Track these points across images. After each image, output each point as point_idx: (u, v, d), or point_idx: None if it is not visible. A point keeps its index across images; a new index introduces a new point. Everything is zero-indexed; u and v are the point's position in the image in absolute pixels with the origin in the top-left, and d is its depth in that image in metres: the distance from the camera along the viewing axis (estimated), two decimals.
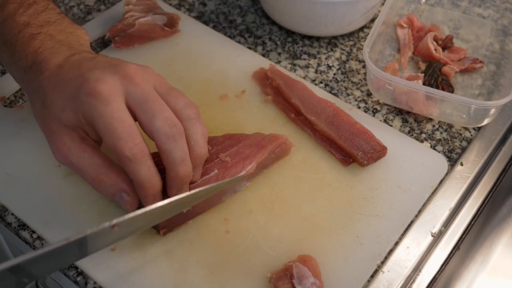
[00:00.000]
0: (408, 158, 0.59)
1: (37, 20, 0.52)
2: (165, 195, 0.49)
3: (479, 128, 0.63)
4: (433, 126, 0.64)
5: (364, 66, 0.70)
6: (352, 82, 0.68)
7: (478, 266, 0.62)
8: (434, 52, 0.68)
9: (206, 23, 0.75)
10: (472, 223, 0.56)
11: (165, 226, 0.50)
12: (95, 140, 0.48)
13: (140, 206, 0.48)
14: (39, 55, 0.49)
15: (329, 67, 0.70)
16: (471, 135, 0.63)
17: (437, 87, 0.64)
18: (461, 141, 0.62)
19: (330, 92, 0.66)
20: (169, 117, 0.46)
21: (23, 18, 0.52)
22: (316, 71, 0.69)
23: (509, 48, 0.71)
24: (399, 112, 0.65)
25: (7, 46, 0.51)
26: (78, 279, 0.50)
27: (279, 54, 0.71)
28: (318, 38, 0.73)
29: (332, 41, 0.73)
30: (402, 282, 0.51)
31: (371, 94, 0.66)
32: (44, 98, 0.47)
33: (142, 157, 0.45)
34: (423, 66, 0.69)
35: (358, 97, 0.66)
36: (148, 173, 0.46)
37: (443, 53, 0.69)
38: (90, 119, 0.45)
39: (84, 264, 0.50)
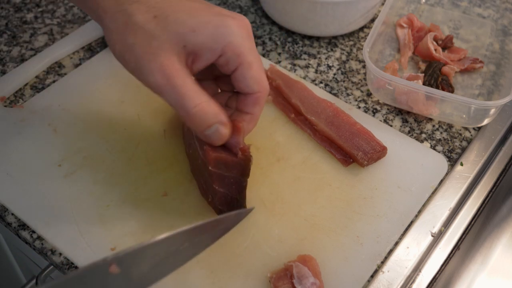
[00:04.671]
0: (408, 158, 0.59)
1: None
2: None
3: (479, 128, 0.63)
4: (433, 126, 0.64)
5: (364, 66, 0.70)
6: (352, 82, 0.68)
7: (478, 266, 0.62)
8: (434, 52, 0.68)
9: None
10: (472, 223, 0.56)
11: None
12: (193, 71, 0.48)
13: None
14: None
15: (329, 67, 0.70)
16: (471, 135, 0.63)
17: (437, 87, 0.64)
18: (461, 141, 0.62)
19: (330, 92, 0.66)
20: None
21: None
22: (316, 71, 0.69)
23: (509, 48, 0.71)
24: (399, 112, 0.65)
25: None
26: None
27: (279, 54, 0.71)
28: (318, 38, 0.73)
29: (332, 41, 0.73)
30: (402, 282, 0.51)
31: (371, 94, 0.66)
32: (162, 13, 0.45)
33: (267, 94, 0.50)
34: (423, 66, 0.69)
35: (358, 97, 0.66)
36: None
37: (443, 53, 0.69)
38: (240, 49, 0.46)
39: (85, 264, 0.50)
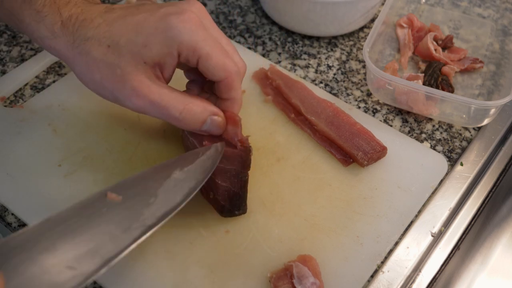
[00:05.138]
0: (408, 158, 0.59)
1: None
2: None
3: (479, 128, 0.63)
4: (433, 126, 0.64)
5: (364, 66, 0.70)
6: (352, 82, 0.68)
7: (478, 266, 0.62)
8: (434, 52, 0.68)
9: None
10: (472, 223, 0.56)
11: None
12: (166, 80, 0.49)
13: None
14: (73, 7, 0.49)
15: (329, 67, 0.70)
16: (471, 135, 0.63)
17: (437, 87, 0.64)
18: (461, 141, 0.62)
19: (330, 92, 0.66)
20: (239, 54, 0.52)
21: None
22: (316, 71, 0.69)
23: (509, 48, 0.71)
24: (399, 112, 0.65)
25: (31, 2, 0.49)
26: None
27: (279, 54, 0.71)
28: (318, 38, 0.73)
29: (332, 41, 0.73)
30: (402, 282, 0.51)
31: (371, 94, 0.66)
32: (112, 41, 0.46)
33: (244, 72, 0.51)
34: (423, 66, 0.69)
35: (358, 97, 0.66)
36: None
37: (443, 53, 0.69)
38: (192, 45, 0.46)
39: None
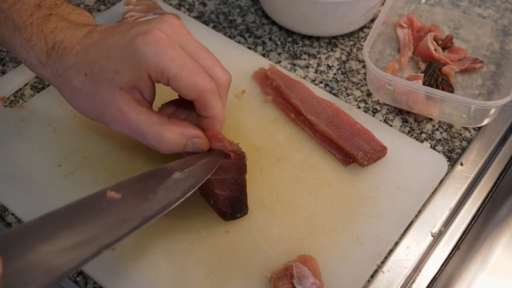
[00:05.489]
0: (408, 158, 0.59)
1: (46, 2, 0.52)
2: None
3: (479, 128, 0.63)
4: (433, 126, 0.64)
5: (364, 66, 0.70)
6: (352, 82, 0.68)
7: (478, 266, 0.62)
8: (434, 52, 0.68)
9: (206, 23, 0.75)
10: (472, 223, 0.56)
11: None
12: (148, 101, 0.48)
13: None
14: (58, 34, 0.49)
15: (329, 67, 0.70)
16: (471, 135, 0.63)
17: (437, 87, 0.64)
18: (461, 141, 0.62)
19: (330, 92, 0.66)
20: (222, 65, 0.50)
21: (33, 0, 0.51)
22: (316, 71, 0.69)
23: (509, 48, 0.71)
24: (399, 112, 0.65)
25: (21, 31, 0.50)
26: (78, 279, 0.50)
27: (279, 54, 0.71)
28: (318, 38, 0.73)
29: (332, 41, 0.73)
30: (402, 282, 0.51)
31: (371, 94, 0.66)
32: (88, 69, 0.46)
33: (217, 90, 0.48)
34: (423, 66, 0.69)
35: (358, 97, 0.66)
36: (221, 104, 0.48)
37: (443, 53, 0.69)
38: (159, 66, 0.45)
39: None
